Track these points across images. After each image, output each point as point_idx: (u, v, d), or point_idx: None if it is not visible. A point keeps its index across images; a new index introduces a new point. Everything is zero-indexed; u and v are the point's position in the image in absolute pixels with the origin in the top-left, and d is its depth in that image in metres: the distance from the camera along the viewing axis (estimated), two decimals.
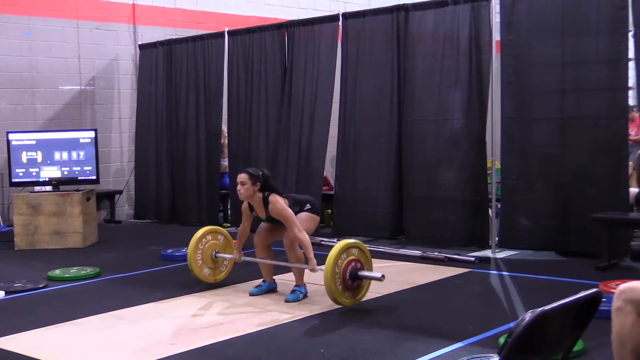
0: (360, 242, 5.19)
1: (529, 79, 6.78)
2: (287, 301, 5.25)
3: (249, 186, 5.28)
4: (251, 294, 5.49)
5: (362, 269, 5.05)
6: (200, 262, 5.73)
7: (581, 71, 6.52)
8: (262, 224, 5.55)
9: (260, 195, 5.31)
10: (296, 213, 5.32)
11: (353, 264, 4.98)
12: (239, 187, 5.31)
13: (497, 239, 6.95)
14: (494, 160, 7.14)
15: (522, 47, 6.82)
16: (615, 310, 2.78)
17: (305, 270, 5.33)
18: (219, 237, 5.89)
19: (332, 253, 4.89)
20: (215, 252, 5.78)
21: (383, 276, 5.00)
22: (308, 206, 5.44)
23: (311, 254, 5.18)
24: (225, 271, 5.92)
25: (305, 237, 5.20)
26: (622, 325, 2.74)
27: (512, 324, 4.25)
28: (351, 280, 4.96)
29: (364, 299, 5.23)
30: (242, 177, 5.29)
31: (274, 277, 5.66)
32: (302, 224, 5.26)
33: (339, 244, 5.00)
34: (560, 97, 6.61)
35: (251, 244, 5.64)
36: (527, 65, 6.79)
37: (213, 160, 9.49)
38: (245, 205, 5.50)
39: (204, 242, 5.76)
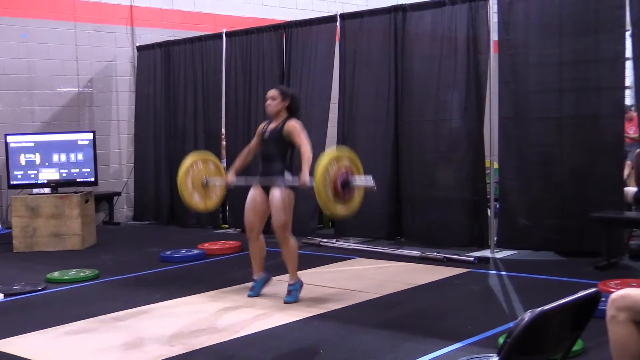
0: (349, 151, 5.23)
1: (527, 78, 6.79)
2: (286, 303, 5.25)
3: (279, 101, 5.36)
4: (249, 297, 5.49)
5: (353, 177, 5.04)
6: (191, 188, 5.68)
7: (579, 71, 6.52)
8: (249, 202, 5.42)
9: (285, 115, 5.36)
10: (279, 174, 5.27)
11: (344, 172, 4.96)
12: (268, 101, 5.38)
13: (495, 239, 6.96)
14: (492, 160, 7.15)
15: (519, 47, 6.83)
16: (609, 319, 2.77)
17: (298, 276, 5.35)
18: (210, 165, 5.83)
19: (322, 163, 4.86)
20: (206, 179, 5.74)
21: (375, 185, 5.04)
22: (289, 175, 5.28)
23: (306, 169, 5.12)
24: (216, 200, 5.84)
25: (308, 151, 5.18)
26: (618, 334, 2.74)
27: (511, 324, 4.25)
28: (343, 189, 4.93)
29: (363, 299, 5.23)
30: (273, 92, 5.40)
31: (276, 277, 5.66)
32: (281, 203, 5.19)
33: (327, 154, 5.01)
34: (558, 97, 6.62)
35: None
36: (525, 65, 6.80)
37: None
38: (263, 123, 5.53)
39: (195, 169, 5.71)
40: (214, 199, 5.81)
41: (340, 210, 4.98)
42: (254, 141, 5.57)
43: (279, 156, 5.32)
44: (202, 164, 5.72)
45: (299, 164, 5.26)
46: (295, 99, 5.46)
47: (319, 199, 4.87)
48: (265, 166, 5.39)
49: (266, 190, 5.35)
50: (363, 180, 5.06)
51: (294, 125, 5.30)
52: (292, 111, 5.40)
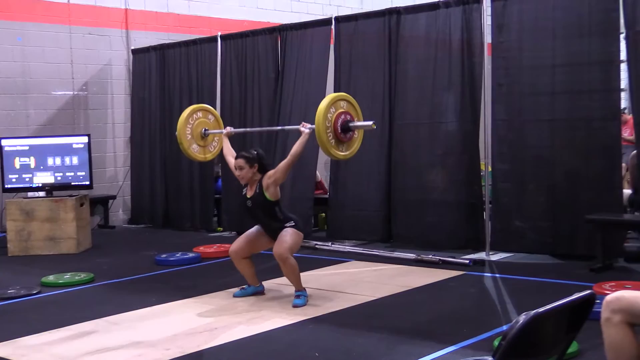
0: (347, 94, 5.33)
1: (521, 81, 6.81)
2: (295, 306, 5.19)
3: (247, 169, 5.34)
4: (235, 296, 5.51)
5: (352, 120, 5.16)
6: (190, 137, 5.74)
7: (573, 73, 6.54)
8: (251, 232, 5.49)
9: (258, 175, 5.36)
10: (281, 228, 5.29)
11: (343, 116, 5.09)
12: (237, 172, 5.37)
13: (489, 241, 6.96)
14: (487, 163, 7.15)
15: (513, 49, 6.85)
16: (604, 321, 2.78)
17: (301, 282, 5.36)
18: (210, 116, 5.92)
19: (321, 107, 4.99)
20: (205, 130, 5.78)
21: (374, 123, 5.19)
22: (292, 223, 5.34)
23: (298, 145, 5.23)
24: (214, 152, 5.97)
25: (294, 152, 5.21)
26: (614, 337, 2.75)
27: (506, 327, 4.26)
28: (343, 133, 5.07)
29: (358, 302, 5.22)
30: (239, 162, 5.35)
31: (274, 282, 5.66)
32: (288, 238, 5.24)
33: (326, 99, 5.10)
34: (551, 99, 6.64)
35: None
36: (519, 68, 6.82)
37: (207, 165, 9.47)
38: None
39: (194, 118, 5.78)
40: (212, 151, 5.91)
41: (340, 152, 5.11)
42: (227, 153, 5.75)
43: (271, 218, 5.34)
44: (201, 114, 5.82)
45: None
46: (262, 157, 5.41)
47: (319, 141, 5.00)
48: (264, 226, 5.44)
49: (271, 236, 5.39)
50: (362, 123, 5.20)
51: (268, 176, 5.30)
52: (263, 169, 5.38)
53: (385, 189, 7.71)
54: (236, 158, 5.43)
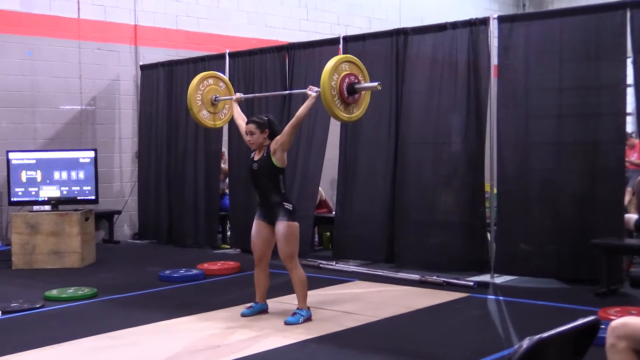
0: (352, 56, 5.29)
1: (527, 103, 6.80)
2: (286, 323, 5.23)
3: (258, 135, 5.38)
4: (243, 315, 5.49)
5: (358, 81, 5.13)
6: (200, 103, 5.75)
7: (579, 97, 6.54)
8: (255, 233, 5.48)
9: (267, 142, 5.40)
10: (278, 206, 5.31)
11: (348, 78, 5.06)
12: (247, 137, 5.41)
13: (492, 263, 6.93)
14: (492, 185, 7.15)
15: (519, 72, 6.85)
16: (609, 347, 2.76)
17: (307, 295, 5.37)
18: (221, 84, 5.94)
19: (326, 70, 4.95)
20: (215, 97, 5.79)
21: (380, 84, 5.14)
22: (289, 207, 5.33)
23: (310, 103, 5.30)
24: (224, 119, 5.99)
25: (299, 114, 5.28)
26: None
27: (510, 351, 4.23)
28: (349, 95, 5.05)
29: (362, 322, 5.20)
30: (250, 127, 5.40)
31: (277, 299, 5.65)
32: (284, 243, 5.28)
33: (331, 61, 5.06)
34: (558, 122, 6.63)
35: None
36: (525, 90, 6.82)
37: (212, 182, 9.50)
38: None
39: (205, 85, 5.80)
40: (222, 118, 5.93)
41: (348, 114, 5.10)
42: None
43: (273, 187, 5.35)
44: (212, 80, 5.87)
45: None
46: (272, 123, 5.48)
47: (325, 102, 4.98)
48: (263, 200, 5.45)
49: (269, 220, 5.40)
50: (368, 84, 5.17)
51: (275, 141, 5.36)
52: (274, 134, 5.44)
53: (390, 209, 7.70)
54: (247, 123, 5.47)
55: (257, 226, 5.49)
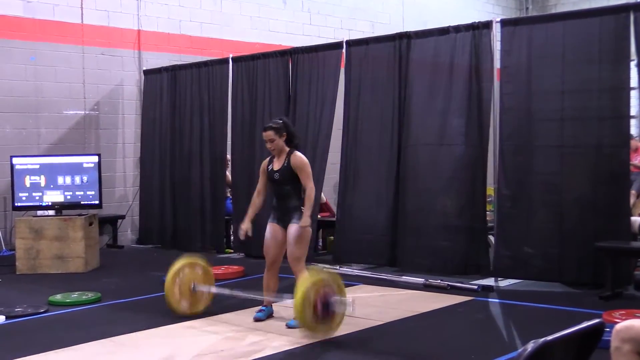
0: (330, 273, 5.10)
1: (529, 106, 6.79)
2: (288, 327, 5.22)
3: (277, 140, 5.39)
4: (257, 319, 5.48)
5: (334, 298, 4.87)
6: (178, 295, 5.57)
7: (582, 99, 6.53)
8: (270, 236, 5.49)
9: (287, 149, 5.43)
10: (295, 210, 5.36)
11: (325, 294, 4.82)
12: (269, 145, 5.42)
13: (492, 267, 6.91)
14: (495, 188, 7.12)
15: (522, 75, 6.84)
16: (613, 350, 2.75)
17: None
18: (198, 269, 5.71)
19: (303, 287, 4.76)
20: (194, 286, 5.63)
21: (353, 308, 4.89)
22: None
23: (309, 211, 5.28)
24: (204, 302, 5.72)
25: (312, 192, 5.32)
26: None
27: (514, 354, 4.22)
28: (323, 311, 4.81)
29: (366, 326, 5.19)
30: (269, 134, 5.39)
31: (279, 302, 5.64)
32: (294, 245, 5.31)
33: (308, 278, 4.86)
34: (560, 125, 6.62)
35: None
36: (527, 93, 6.80)
37: (218, 186, 9.50)
38: (265, 160, 5.57)
39: (181, 277, 5.56)
40: (201, 306, 5.72)
41: (321, 331, 4.86)
42: (261, 182, 5.61)
43: (294, 194, 5.42)
44: (188, 269, 5.64)
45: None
46: (289, 126, 5.52)
47: (299, 320, 4.78)
48: (281, 204, 5.47)
49: (284, 224, 5.43)
50: (344, 303, 4.91)
51: (301, 161, 5.39)
52: (291, 138, 5.46)
53: (392, 212, 7.69)
54: (265, 130, 5.45)
55: (272, 229, 5.50)
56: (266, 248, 5.54)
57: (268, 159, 5.60)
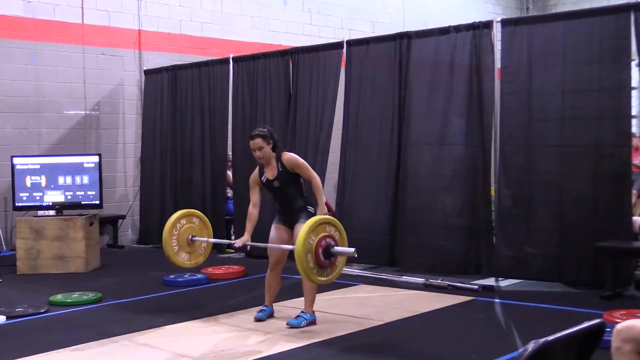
0: (333, 218, 5.05)
1: (530, 105, 6.78)
2: (288, 325, 5.22)
3: (265, 147, 5.34)
4: (257, 319, 5.47)
5: (335, 245, 4.85)
6: (177, 248, 5.63)
7: (583, 99, 6.52)
8: (276, 238, 5.46)
9: (274, 155, 5.39)
10: (301, 210, 5.36)
11: (326, 240, 4.78)
12: (257, 153, 5.33)
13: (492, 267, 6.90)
14: (496, 188, 7.13)
15: (523, 74, 6.83)
16: (614, 350, 2.75)
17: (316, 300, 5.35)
18: (194, 219, 5.75)
19: (304, 230, 4.71)
20: (192, 237, 5.67)
21: (356, 251, 4.84)
22: (311, 210, 5.40)
23: (322, 201, 5.28)
24: (204, 254, 5.79)
25: (318, 180, 5.33)
26: None
27: (514, 354, 4.22)
28: (324, 257, 4.77)
29: (366, 326, 5.20)
30: (257, 142, 5.31)
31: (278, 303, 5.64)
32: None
33: (310, 222, 4.81)
34: (561, 125, 6.62)
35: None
36: (528, 92, 6.79)
37: (218, 186, 9.50)
38: (255, 173, 5.51)
39: (179, 227, 5.62)
40: (200, 256, 5.75)
41: (320, 278, 4.83)
42: (255, 195, 5.52)
43: (298, 194, 5.41)
44: (185, 221, 5.66)
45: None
46: (273, 133, 5.46)
47: (299, 266, 4.70)
48: (286, 207, 5.44)
49: (290, 225, 5.42)
50: (345, 250, 4.88)
51: (295, 159, 5.36)
52: (275, 145, 5.43)
53: (392, 212, 7.68)
54: (252, 138, 5.36)
55: (277, 231, 5.48)
56: (270, 249, 5.53)
57: (257, 169, 5.51)
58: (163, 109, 10.16)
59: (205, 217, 5.92)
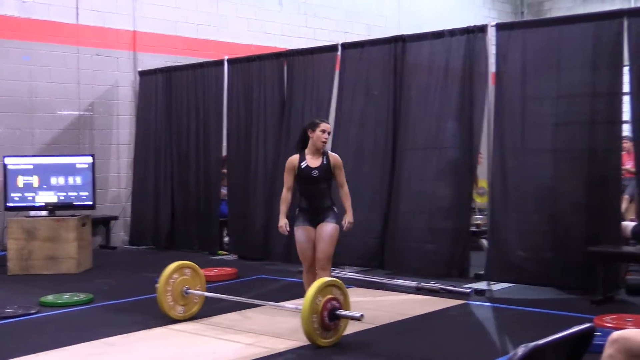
0: (339, 280, 5.00)
1: (523, 110, 6.79)
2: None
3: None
4: None
5: (341, 308, 4.86)
6: (172, 303, 5.54)
7: (576, 104, 6.53)
8: (304, 240, 5.52)
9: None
10: (328, 210, 5.51)
11: (331, 303, 4.79)
12: (325, 135, 5.54)
13: (484, 271, 6.91)
14: (489, 192, 7.12)
15: (516, 79, 6.85)
16: (606, 357, 2.75)
17: None
18: (186, 271, 5.68)
19: (310, 292, 4.72)
20: (186, 289, 5.63)
21: (362, 315, 4.83)
22: (336, 210, 5.57)
23: (351, 209, 5.61)
24: (199, 302, 5.71)
25: (348, 190, 5.63)
26: None
27: (505, 358, 4.23)
28: (329, 320, 4.78)
29: (357, 329, 5.20)
30: (328, 126, 5.60)
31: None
32: (329, 243, 5.45)
33: (317, 282, 4.84)
34: (554, 130, 6.63)
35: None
36: (522, 97, 6.81)
37: (212, 188, 9.49)
38: (293, 157, 5.60)
39: (171, 283, 5.52)
40: (195, 306, 5.68)
41: (323, 340, 4.78)
42: (290, 179, 5.61)
43: (328, 193, 5.54)
44: (177, 274, 5.60)
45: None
46: None
47: (304, 327, 4.69)
48: (314, 202, 5.53)
49: (315, 224, 5.51)
50: (351, 314, 4.88)
51: (340, 160, 5.62)
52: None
53: (385, 215, 7.68)
54: (326, 122, 5.65)
55: (305, 232, 5.53)
56: (303, 252, 5.57)
57: (297, 156, 5.60)
58: (158, 111, 10.14)
59: (197, 266, 5.82)
